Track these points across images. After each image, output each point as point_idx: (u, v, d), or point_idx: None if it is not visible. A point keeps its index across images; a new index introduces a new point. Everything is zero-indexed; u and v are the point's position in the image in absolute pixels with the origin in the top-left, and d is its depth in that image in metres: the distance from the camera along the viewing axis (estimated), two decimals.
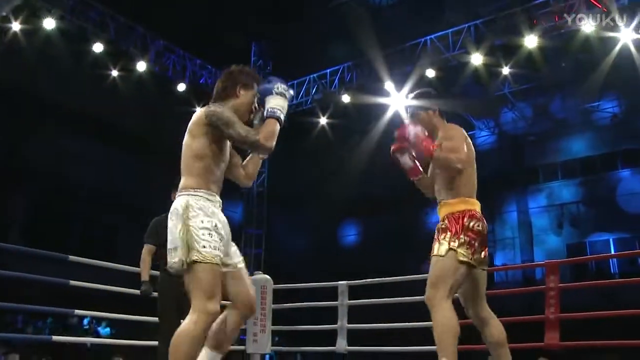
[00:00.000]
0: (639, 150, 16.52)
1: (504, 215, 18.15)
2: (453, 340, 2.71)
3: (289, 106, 2.73)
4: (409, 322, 5.63)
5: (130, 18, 12.40)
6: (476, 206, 3.01)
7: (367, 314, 6.45)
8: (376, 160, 16.06)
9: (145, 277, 4.73)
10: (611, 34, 11.27)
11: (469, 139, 3.12)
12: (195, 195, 2.53)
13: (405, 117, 3.23)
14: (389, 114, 13.80)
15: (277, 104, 2.62)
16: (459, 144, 3.00)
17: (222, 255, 2.50)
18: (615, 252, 15.90)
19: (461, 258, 2.82)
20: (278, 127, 2.61)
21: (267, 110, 2.62)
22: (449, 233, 2.88)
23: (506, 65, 12.59)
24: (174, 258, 2.45)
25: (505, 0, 12.20)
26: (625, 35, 11.19)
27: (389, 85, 12.36)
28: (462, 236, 2.85)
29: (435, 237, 2.97)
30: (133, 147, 15.83)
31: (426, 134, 3.05)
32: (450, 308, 2.77)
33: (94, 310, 5.87)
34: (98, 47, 12.08)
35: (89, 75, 13.29)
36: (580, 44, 11.68)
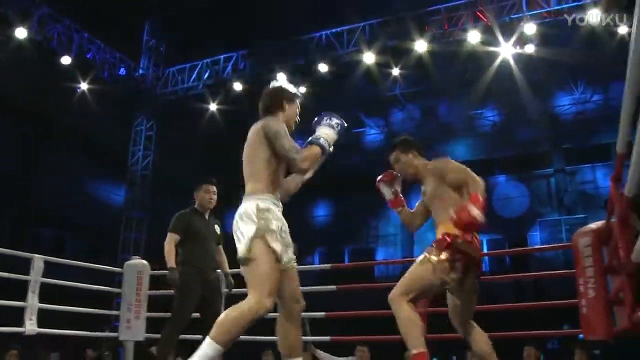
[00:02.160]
0: (514, 157, 17.66)
1: (388, 213, 18.68)
2: (418, 331, 2.85)
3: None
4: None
5: None
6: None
7: None
8: None
9: (172, 264, 4.80)
10: (493, 49, 11.97)
11: None
12: (263, 199, 2.71)
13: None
14: None
15: (324, 132, 2.77)
16: (466, 170, 3.15)
17: (283, 257, 2.68)
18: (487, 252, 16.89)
19: (438, 273, 2.93)
20: (320, 153, 2.73)
21: (313, 136, 2.77)
22: (434, 247, 3.00)
23: (396, 67, 12.97)
24: (241, 253, 2.64)
25: (398, 4, 12.54)
26: (505, 50, 11.92)
27: (281, 76, 12.36)
28: (444, 253, 2.96)
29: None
30: (10, 118, 14.81)
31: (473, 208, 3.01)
32: (408, 307, 2.90)
33: None
34: None
35: None
36: (467, 53, 12.26)
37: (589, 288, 4.86)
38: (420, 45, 11.55)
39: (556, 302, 7.51)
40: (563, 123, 17.35)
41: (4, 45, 12.30)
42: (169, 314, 4.77)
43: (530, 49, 11.58)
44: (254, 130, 2.82)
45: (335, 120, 2.80)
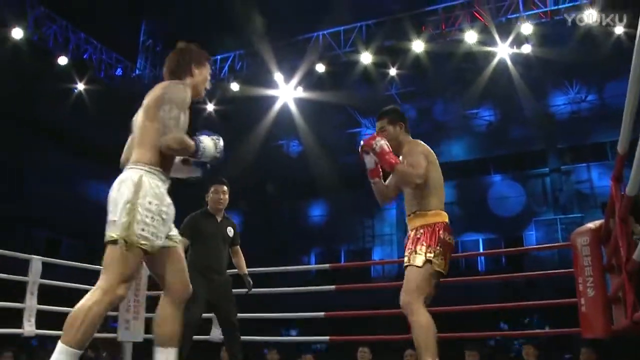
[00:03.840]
0: (509, 157, 17.71)
1: (383, 212, 18.73)
2: (433, 340, 2.87)
3: None
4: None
5: None
6: (446, 218, 3.17)
7: (258, 304, 6.43)
8: (261, 151, 16.05)
9: None
10: (490, 49, 12.01)
11: (433, 155, 3.23)
12: (150, 172, 2.42)
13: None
14: (277, 105, 13.82)
15: (206, 140, 2.52)
16: (418, 159, 3.13)
17: (157, 241, 2.39)
18: (483, 251, 16.92)
19: (436, 268, 3.01)
20: (190, 148, 2.46)
21: (197, 137, 2.50)
22: (424, 244, 3.04)
23: (393, 67, 12.97)
24: (110, 231, 2.32)
25: (395, 4, 12.56)
26: (502, 50, 11.95)
27: (278, 76, 12.36)
28: (437, 248, 3.02)
29: (410, 245, 3.12)
30: (5, 120, 14.72)
31: (389, 148, 3.13)
32: (426, 312, 2.94)
33: None
34: None
35: None
36: (464, 53, 12.28)
37: (588, 287, 4.88)
38: (418, 46, 11.58)
39: (552, 301, 7.55)
40: (558, 122, 17.41)
41: None
42: None
43: (527, 49, 11.62)
44: (155, 94, 2.50)
45: (217, 139, 2.56)
